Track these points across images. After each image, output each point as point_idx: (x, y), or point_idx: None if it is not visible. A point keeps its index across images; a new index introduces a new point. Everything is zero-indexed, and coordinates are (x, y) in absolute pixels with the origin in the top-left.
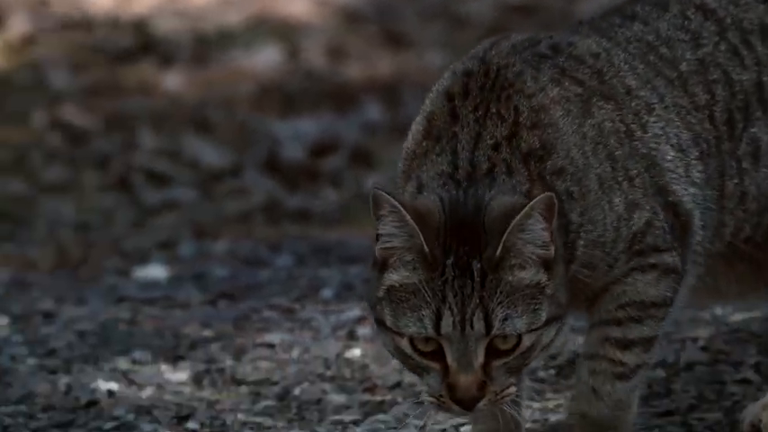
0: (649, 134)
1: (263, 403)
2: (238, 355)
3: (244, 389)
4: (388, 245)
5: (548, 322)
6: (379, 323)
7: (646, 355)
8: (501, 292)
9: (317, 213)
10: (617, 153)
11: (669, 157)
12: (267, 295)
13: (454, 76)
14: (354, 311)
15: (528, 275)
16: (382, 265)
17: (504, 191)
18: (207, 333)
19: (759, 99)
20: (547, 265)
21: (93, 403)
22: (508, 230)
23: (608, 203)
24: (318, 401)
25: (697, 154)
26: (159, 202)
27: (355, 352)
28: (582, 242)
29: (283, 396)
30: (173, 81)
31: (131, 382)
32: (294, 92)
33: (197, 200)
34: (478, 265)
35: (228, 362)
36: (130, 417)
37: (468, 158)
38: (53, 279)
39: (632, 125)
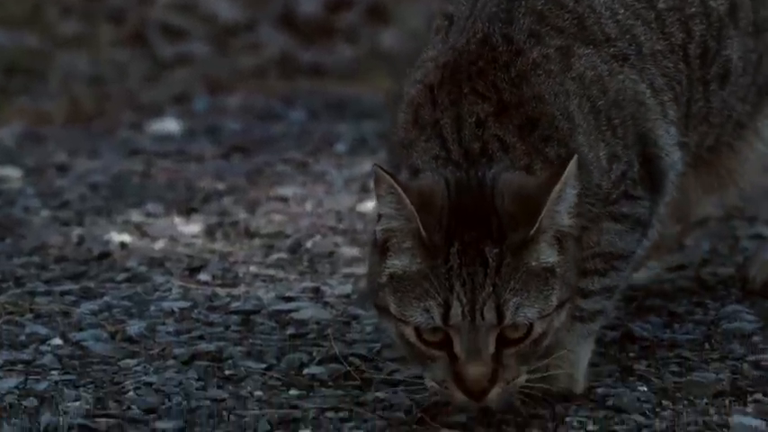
0: (627, 79)
1: (276, 256)
2: (251, 208)
3: (256, 241)
4: (386, 226)
5: (559, 306)
6: (381, 309)
7: (607, 303)
8: (516, 279)
9: (331, 68)
10: (599, 103)
11: (648, 101)
12: (280, 149)
13: (435, 68)
14: (367, 165)
15: (548, 257)
16: (383, 249)
17: (504, 168)
18: (220, 186)
19: (732, 17)
20: (560, 241)
21: (105, 255)
22: (546, 206)
23: (595, 160)
24: (330, 254)
25: (671, 95)
26: (174, 56)
27: (367, 205)
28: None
29: (295, 249)
30: None
31: (144, 235)
32: None
33: (211, 54)
34: (495, 251)
35: (241, 215)
36: (143, 268)
37: (456, 140)
38: (67, 132)
39: (614, 67)
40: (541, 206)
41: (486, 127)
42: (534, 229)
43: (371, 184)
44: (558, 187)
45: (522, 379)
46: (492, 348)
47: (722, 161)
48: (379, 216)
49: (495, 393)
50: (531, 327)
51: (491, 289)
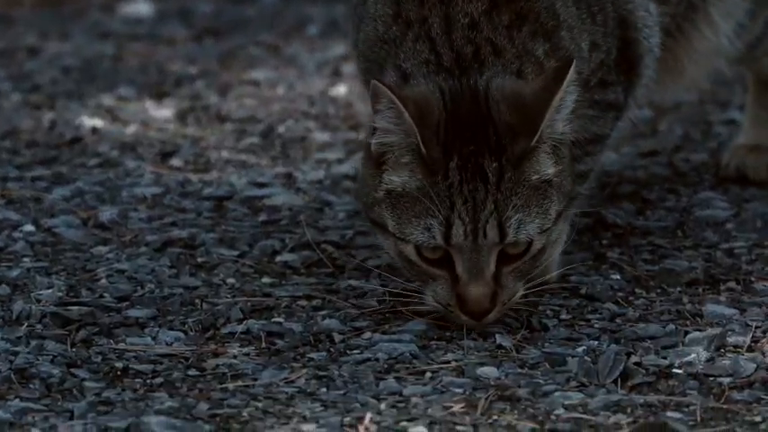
0: None
1: (248, 140)
2: (223, 91)
3: (228, 126)
4: (383, 140)
5: (557, 218)
6: (378, 225)
7: (580, 188)
8: (517, 194)
9: None
10: None
11: None
12: (253, 32)
13: None
14: (339, 49)
15: (547, 168)
16: (378, 162)
17: (496, 74)
18: (192, 70)
19: None
20: (557, 150)
21: (77, 140)
22: (547, 116)
23: (577, 50)
24: (302, 139)
25: None
26: None
27: (339, 90)
28: None
29: (267, 133)
30: None
31: (115, 119)
32: None
33: None
34: (494, 165)
35: (213, 99)
36: (114, 153)
37: (446, 43)
38: (37, 14)
39: None
40: (542, 116)
41: (478, 29)
42: (535, 140)
43: (343, 69)
44: (558, 95)
45: (519, 294)
46: (493, 267)
47: (672, 48)
48: (374, 129)
49: (495, 312)
50: (530, 243)
51: (493, 206)
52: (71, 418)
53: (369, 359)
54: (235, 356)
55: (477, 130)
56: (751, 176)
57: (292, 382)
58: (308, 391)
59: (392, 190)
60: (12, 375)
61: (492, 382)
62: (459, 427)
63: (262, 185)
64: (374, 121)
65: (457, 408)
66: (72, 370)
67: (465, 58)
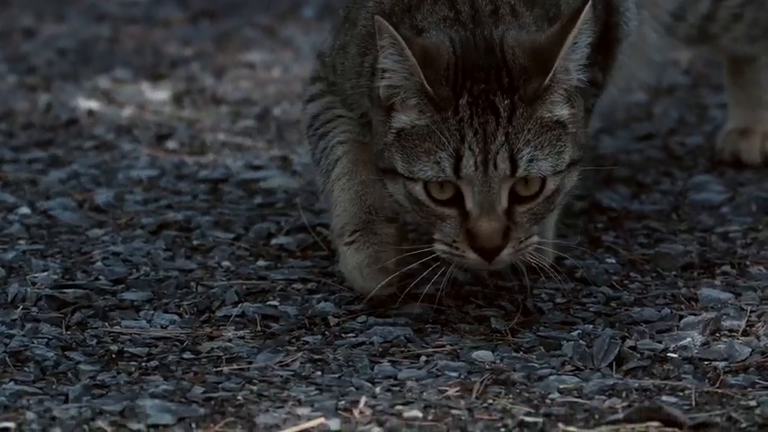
0: None
1: (243, 123)
2: (219, 74)
3: (224, 108)
4: (389, 82)
5: (570, 165)
6: (387, 171)
7: None
8: (529, 130)
9: None
10: None
11: None
12: (248, 14)
13: None
14: None
15: (561, 111)
16: (388, 107)
17: (513, 29)
18: (187, 52)
19: None
20: (571, 97)
21: (72, 122)
22: (560, 55)
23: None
24: (298, 122)
25: None
26: None
27: None
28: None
29: (263, 116)
30: None
31: (111, 101)
32: None
33: None
34: (506, 102)
35: (209, 81)
36: (110, 136)
37: (468, 2)
38: None
39: None
40: (555, 55)
41: None
42: (548, 78)
43: None
44: (573, 33)
45: (534, 239)
46: (505, 203)
47: None
48: (382, 71)
49: (506, 254)
50: (544, 182)
51: (503, 138)
52: (66, 402)
53: (364, 343)
54: (230, 340)
55: (489, 72)
56: (744, 160)
57: (287, 365)
58: (303, 374)
59: (402, 129)
60: (6, 358)
61: (487, 366)
62: (454, 411)
63: (257, 168)
64: (379, 62)
65: (452, 391)
66: (67, 353)
67: (482, 13)
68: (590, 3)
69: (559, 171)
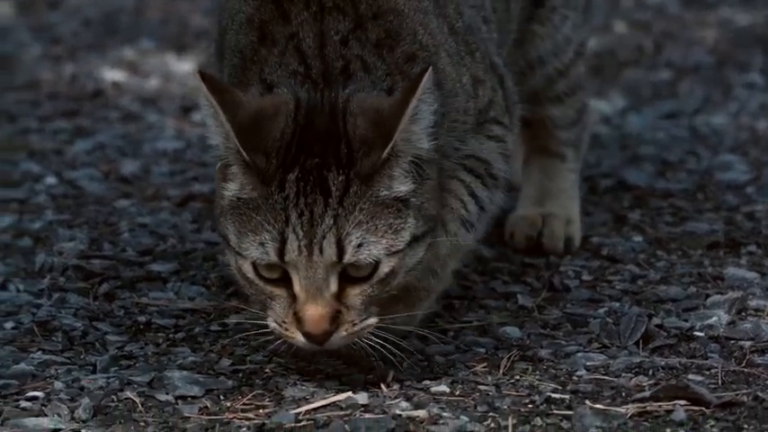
0: (467, 7)
1: None
2: None
3: None
4: (211, 141)
5: (413, 241)
6: (223, 238)
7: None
8: (361, 210)
9: None
10: (457, 26)
11: (484, 29)
12: None
13: None
14: None
15: (401, 186)
16: (224, 170)
17: (362, 88)
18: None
19: None
20: (419, 168)
21: (98, 93)
22: (400, 126)
23: (459, 82)
24: None
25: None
26: None
27: None
28: (443, 130)
29: None
30: None
31: (136, 72)
32: None
33: None
34: (340, 178)
35: None
36: (136, 107)
37: (318, 56)
38: None
39: None
40: (395, 127)
41: (349, 45)
42: (386, 152)
43: None
44: (412, 104)
45: (371, 321)
46: (334, 288)
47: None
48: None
49: (339, 337)
50: (376, 265)
51: (331, 221)
52: (94, 372)
53: None
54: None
55: (327, 143)
56: None
57: None
58: None
59: (232, 199)
60: (34, 328)
61: (514, 342)
62: (481, 386)
63: None
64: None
65: (479, 367)
66: (95, 323)
67: (334, 71)
68: (429, 71)
69: (396, 251)
